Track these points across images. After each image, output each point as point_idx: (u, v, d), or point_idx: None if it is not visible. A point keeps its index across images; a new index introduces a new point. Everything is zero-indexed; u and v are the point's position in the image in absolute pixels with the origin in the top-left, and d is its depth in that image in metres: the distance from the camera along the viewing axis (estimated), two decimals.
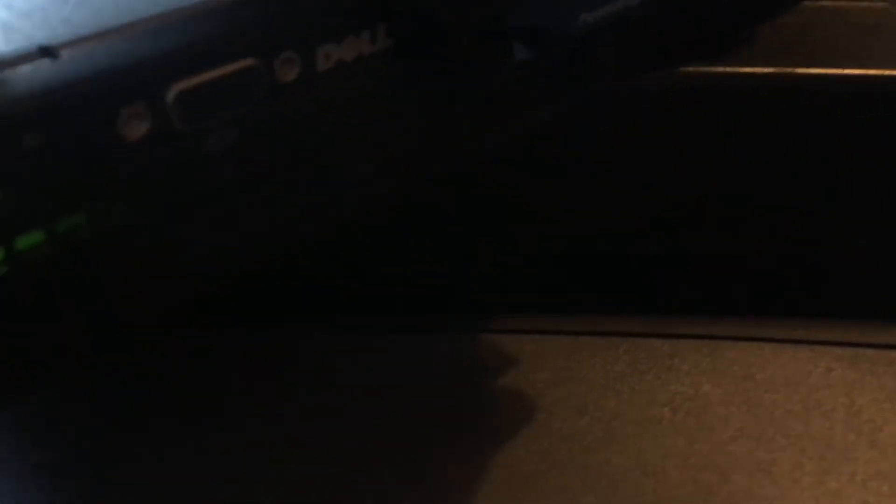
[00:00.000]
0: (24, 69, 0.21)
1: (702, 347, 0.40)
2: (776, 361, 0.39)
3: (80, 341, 0.26)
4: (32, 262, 0.24)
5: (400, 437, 0.37)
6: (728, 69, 0.41)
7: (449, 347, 0.40)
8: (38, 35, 0.22)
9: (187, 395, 0.38)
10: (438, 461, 0.36)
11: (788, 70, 0.41)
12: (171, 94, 0.23)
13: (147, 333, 0.29)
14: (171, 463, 0.36)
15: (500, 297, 0.42)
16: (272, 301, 0.41)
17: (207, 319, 0.39)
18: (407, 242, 0.42)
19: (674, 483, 0.34)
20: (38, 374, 0.26)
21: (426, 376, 0.39)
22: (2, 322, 0.24)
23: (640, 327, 0.41)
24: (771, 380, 0.38)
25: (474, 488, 0.34)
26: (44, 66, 0.22)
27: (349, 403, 0.38)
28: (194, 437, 0.37)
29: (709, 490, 0.34)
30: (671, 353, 0.39)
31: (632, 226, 0.44)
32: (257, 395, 0.38)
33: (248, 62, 0.24)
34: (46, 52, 0.22)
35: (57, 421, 0.38)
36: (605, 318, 0.41)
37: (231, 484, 0.35)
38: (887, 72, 0.40)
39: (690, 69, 0.40)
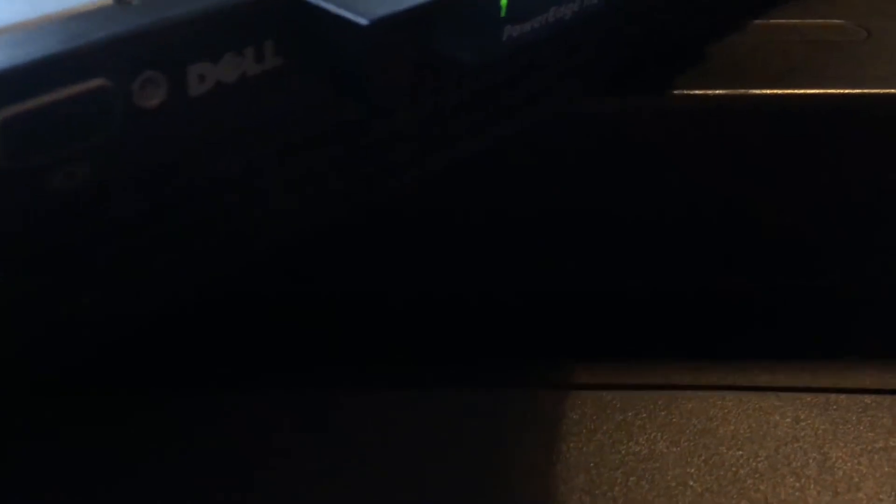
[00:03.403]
0: None
1: (657, 399, 0.36)
2: (739, 413, 0.36)
3: None
4: None
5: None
6: (679, 91, 0.38)
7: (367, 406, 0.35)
8: None
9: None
10: None
11: (741, 91, 0.38)
12: None
13: None
14: None
15: (424, 344, 0.38)
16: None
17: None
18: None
19: None
20: None
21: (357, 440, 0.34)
22: None
23: (586, 377, 0.37)
24: (734, 434, 0.35)
25: None
26: None
27: (312, 463, 0.34)
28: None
29: None
30: (622, 407, 0.35)
31: (573, 261, 0.40)
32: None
33: (95, 83, 0.20)
34: None
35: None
36: (544, 366, 0.37)
37: None
38: (846, 91, 0.38)
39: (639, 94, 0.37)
